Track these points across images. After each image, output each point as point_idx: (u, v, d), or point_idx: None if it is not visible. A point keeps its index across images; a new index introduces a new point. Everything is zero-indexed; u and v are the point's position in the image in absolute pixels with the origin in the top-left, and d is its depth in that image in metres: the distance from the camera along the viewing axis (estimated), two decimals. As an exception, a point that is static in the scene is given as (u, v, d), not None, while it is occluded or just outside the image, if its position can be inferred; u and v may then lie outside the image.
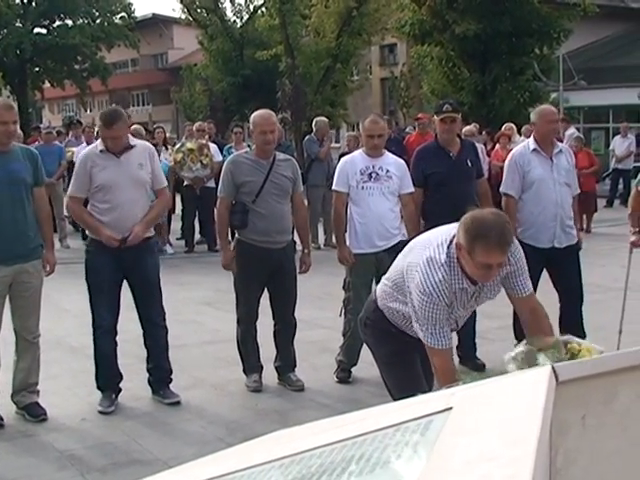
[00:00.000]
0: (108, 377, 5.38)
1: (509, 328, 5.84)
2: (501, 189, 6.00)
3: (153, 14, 47.00)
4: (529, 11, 20.35)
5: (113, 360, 5.38)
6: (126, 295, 5.44)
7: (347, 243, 5.79)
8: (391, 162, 5.76)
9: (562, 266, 5.85)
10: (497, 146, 13.42)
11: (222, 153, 11.90)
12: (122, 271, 5.30)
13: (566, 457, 1.36)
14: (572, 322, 5.77)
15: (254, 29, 31.19)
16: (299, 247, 5.91)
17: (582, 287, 5.96)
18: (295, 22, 27.52)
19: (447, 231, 3.39)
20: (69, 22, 36.18)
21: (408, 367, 3.80)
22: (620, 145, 18.04)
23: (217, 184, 6.02)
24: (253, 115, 5.66)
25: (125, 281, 5.39)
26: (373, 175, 5.66)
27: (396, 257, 3.76)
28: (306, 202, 7.32)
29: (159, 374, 5.52)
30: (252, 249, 5.55)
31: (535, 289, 4.07)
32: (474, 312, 4.55)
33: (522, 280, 3.49)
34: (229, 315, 6.20)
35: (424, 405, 1.50)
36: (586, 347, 2.76)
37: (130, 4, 37.80)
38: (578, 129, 19.74)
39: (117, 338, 5.40)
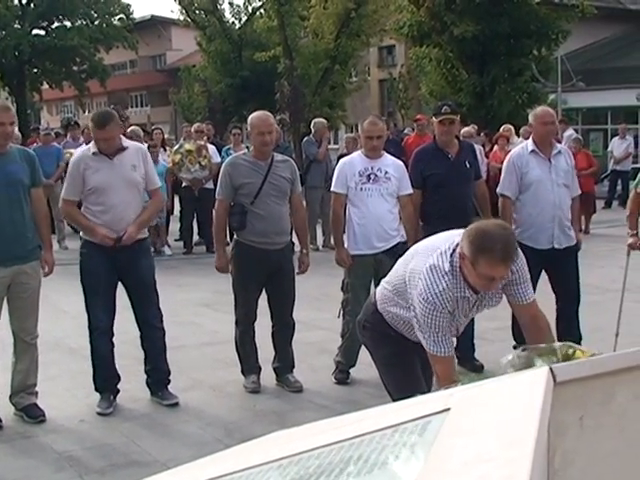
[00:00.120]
0: (106, 378, 5.38)
1: (508, 329, 5.85)
2: (498, 190, 6.01)
3: (151, 15, 47.02)
4: (527, 12, 20.35)
5: (110, 361, 5.38)
6: (123, 296, 5.44)
7: (345, 245, 5.79)
8: (390, 163, 5.77)
9: (561, 267, 5.86)
10: (495, 147, 13.43)
11: (220, 154, 11.90)
12: (117, 273, 5.30)
13: (564, 458, 1.36)
14: (569, 323, 5.79)
15: (252, 30, 31.19)
16: (297, 248, 5.91)
17: (579, 289, 5.96)
18: (294, 23, 27.51)
19: (450, 238, 3.38)
20: (67, 23, 36.16)
21: (407, 368, 3.80)
22: (618, 146, 18.05)
23: (215, 185, 6.02)
24: (250, 116, 5.66)
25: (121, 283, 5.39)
26: (372, 176, 5.66)
27: (395, 259, 3.75)
28: (305, 203, 7.32)
29: (157, 376, 5.52)
30: (251, 250, 5.55)
31: (534, 290, 4.07)
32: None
33: (523, 288, 3.48)
34: (227, 316, 6.20)
35: (422, 406, 1.50)
36: (580, 349, 2.75)
37: (128, 5, 37.83)
38: (576, 130, 19.77)
39: (115, 339, 5.40)
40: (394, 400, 3.52)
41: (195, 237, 12.55)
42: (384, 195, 5.67)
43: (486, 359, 5.86)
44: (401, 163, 5.93)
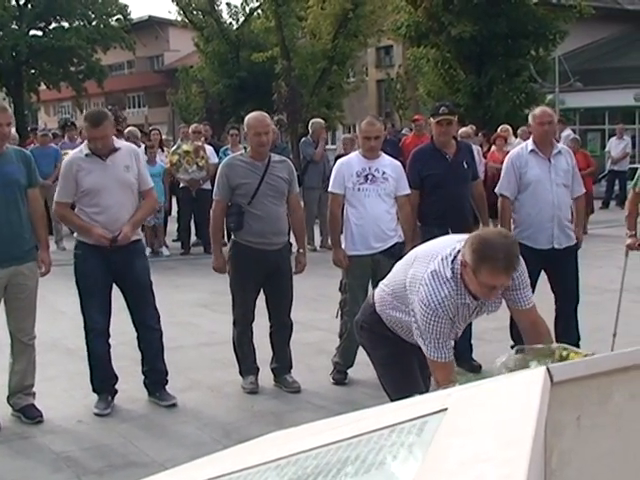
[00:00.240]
0: (103, 379, 5.37)
1: (506, 329, 5.84)
2: (497, 190, 6.01)
3: (149, 16, 46.97)
4: (525, 13, 20.37)
5: (107, 362, 5.37)
6: (120, 297, 5.44)
7: (343, 245, 5.79)
8: (387, 164, 5.77)
9: (560, 267, 5.86)
10: (493, 148, 13.41)
11: (218, 155, 11.90)
12: (111, 274, 5.29)
13: (561, 458, 1.36)
14: (568, 323, 5.79)
15: (250, 31, 31.20)
16: (295, 249, 5.91)
17: (578, 289, 5.97)
18: (291, 24, 27.53)
19: (451, 244, 3.37)
20: (65, 24, 36.12)
21: (405, 368, 3.80)
22: (616, 147, 18.08)
23: (213, 186, 6.02)
24: (247, 117, 5.66)
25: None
26: (369, 177, 5.66)
27: (392, 259, 3.75)
28: (302, 204, 7.32)
29: (155, 376, 5.52)
30: (248, 251, 5.55)
31: (533, 290, 4.07)
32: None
33: (523, 293, 3.47)
34: (225, 317, 6.19)
35: (419, 406, 1.50)
36: (575, 351, 2.76)
37: (126, 6, 37.78)
38: (574, 131, 19.76)
39: (112, 341, 5.40)
40: (392, 400, 3.52)
41: (193, 238, 12.54)
42: (382, 195, 5.67)
43: (484, 359, 5.85)
44: (399, 163, 5.94)
